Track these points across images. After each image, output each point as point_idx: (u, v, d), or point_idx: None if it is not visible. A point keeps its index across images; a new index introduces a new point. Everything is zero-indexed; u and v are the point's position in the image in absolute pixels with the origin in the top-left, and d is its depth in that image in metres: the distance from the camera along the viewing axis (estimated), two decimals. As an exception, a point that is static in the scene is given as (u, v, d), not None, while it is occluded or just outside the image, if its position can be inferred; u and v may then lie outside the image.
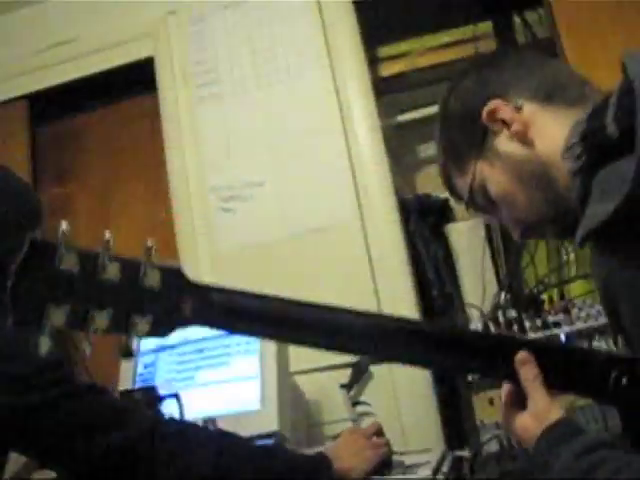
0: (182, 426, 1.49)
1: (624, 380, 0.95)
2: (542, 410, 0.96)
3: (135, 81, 2.88)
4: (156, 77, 2.78)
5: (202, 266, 2.56)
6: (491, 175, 1.09)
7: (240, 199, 2.56)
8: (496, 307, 2.18)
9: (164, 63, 2.77)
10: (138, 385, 2.00)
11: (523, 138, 1.05)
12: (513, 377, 0.98)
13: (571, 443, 0.91)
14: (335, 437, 2.16)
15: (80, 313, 0.82)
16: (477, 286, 2.40)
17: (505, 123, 1.07)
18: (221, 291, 0.92)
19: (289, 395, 2.00)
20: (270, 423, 1.86)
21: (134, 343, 0.85)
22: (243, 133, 2.61)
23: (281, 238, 2.49)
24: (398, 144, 2.84)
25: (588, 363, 0.99)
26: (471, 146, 1.11)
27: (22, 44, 2.97)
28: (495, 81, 1.11)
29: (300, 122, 2.57)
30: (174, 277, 0.88)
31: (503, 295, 2.21)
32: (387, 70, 2.82)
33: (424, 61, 2.78)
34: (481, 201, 1.13)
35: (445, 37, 2.76)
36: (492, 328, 2.11)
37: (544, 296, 2.14)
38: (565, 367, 1.00)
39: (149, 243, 0.85)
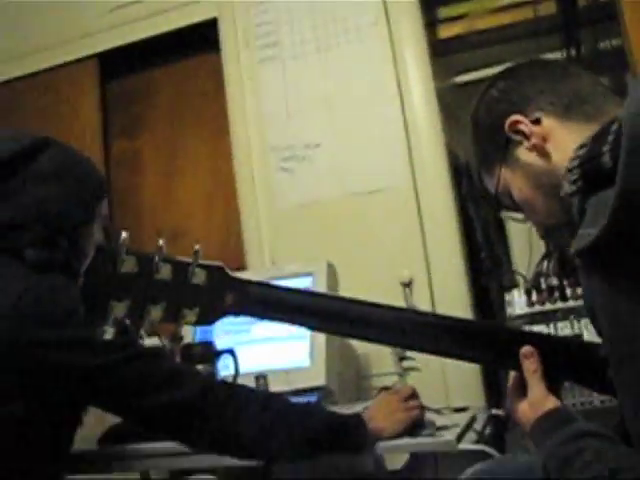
0: (231, 386, 1.67)
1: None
2: (538, 400, 1.08)
3: (200, 40, 2.99)
4: (219, 38, 2.88)
5: (261, 221, 2.70)
6: (513, 181, 1.18)
7: (298, 159, 2.67)
8: (538, 274, 2.26)
9: (227, 25, 2.87)
10: (198, 338, 2.16)
11: (541, 150, 1.12)
12: (519, 368, 1.10)
13: (559, 431, 1.02)
14: (380, 389, 2.32)
15: (138, 307, 0.96)
16: (525, 251, 2.47)
17: (525, 135, 1.14)
18: (257, 285, 1.04)
19: (337, 351, 2.14)
20: (318, 378, 2.00)
21: (182, 331, 1.00)
22: (302, 95, 2.71)
23: (335, 198, 2.61)
24: (456, 105, 2.89)
25: (587, 356, 1.10)
26: (496, 153, 1.18)
27: (91, 5, 3.10)
28: (517, 94, 1.17)
29: (357, 85, 2.65)
30: (217, 274, 1.01)
31: (546, 262, 2.28)
32: (446, 32, 2.85)
33: (482, 23, 2.81)
34: (507, 202, 1.22)
35: (504, -1, 2.78)
36: (534, 295, 2.19)
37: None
38: (566, 360, 1.11)
39: (196, 247, 0.97)
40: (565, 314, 2.16)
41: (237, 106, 2.80)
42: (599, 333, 0.97)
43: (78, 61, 3.10)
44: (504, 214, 1.34)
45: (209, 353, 1.94)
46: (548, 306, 2.19)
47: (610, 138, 0.94)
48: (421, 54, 2.63)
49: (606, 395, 1.49)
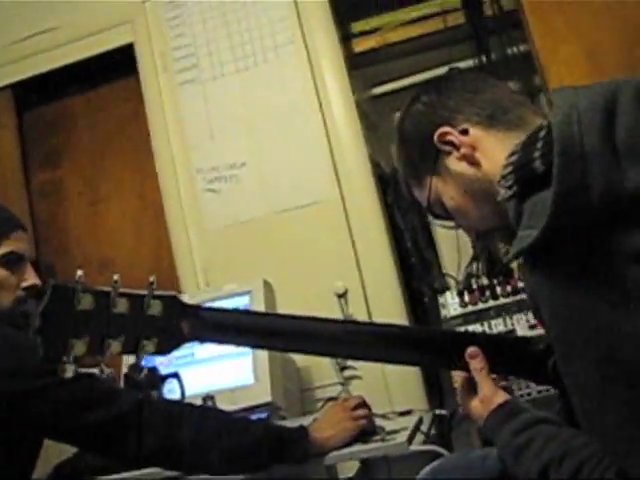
0: (167, 402, 1.73)
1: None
2: (488, 396, 1.14)
3: (117, 65, 2.98)
4: (137, 63, 2.88)
5: (192, 243, 2.71)
6: (445, 190, 1.23)
7: (224, 179, 2.69)
8: (469, 276, 2.34)
9: (144, 49, 2.87)
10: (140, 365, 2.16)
11: (471, 159, 1.18)
12: (462, 367, 1.16)
13: (510, 423, 1.09)
14: (327, 400, 2.36)
15: (97, 342, 0.98)
16: (453, 254, 2.55)
17: (454, 145, 1.20)
18: (210, 310, 1.07)
19: (280, 366, 2.17)
20: (263, 395, 2.03)
21: (142, 361, 1.01)
22: (224, 115, 2.73)
23: (265, 215, 2.64)
24: (375, 116, 2.97)
25: (529, 351, 1.17)
26: (426, 164, 1.23)
27: (2, 35, 3.05)
28: (443, 107, 1.22)
29: (278, 103, 2.69)
30: (172, 304, 1.03)
31: (476, 264, 2.36)
32: (360, 46, 2.92)
33: (395, 36, 2.88)
34: (439, 211, 1.27)
35: (414, 12, 2.86)
36: (466, 296, 2.27)
37: (514, 264, 2.29)
38: (509, 356, 1.17)
39: (151, 279, 0.99)
40: (497, 311, 2.25)
41: (160, 130, 2.80)
42: (538, 320, 1.02)
43: (-10, 93, 3.05)
44: (435, 222, 1.39)
45: (154, 378, 1.95)
46: (480, 305, 2.27)
47: (539, 145, 1.00)
48: (338, 68, 2.69)
49: (545, 385, 1.56)
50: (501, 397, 1.14)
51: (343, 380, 2.44)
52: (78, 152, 3.10)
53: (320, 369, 2.48)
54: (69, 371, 0.97)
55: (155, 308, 1.01)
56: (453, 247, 2.59)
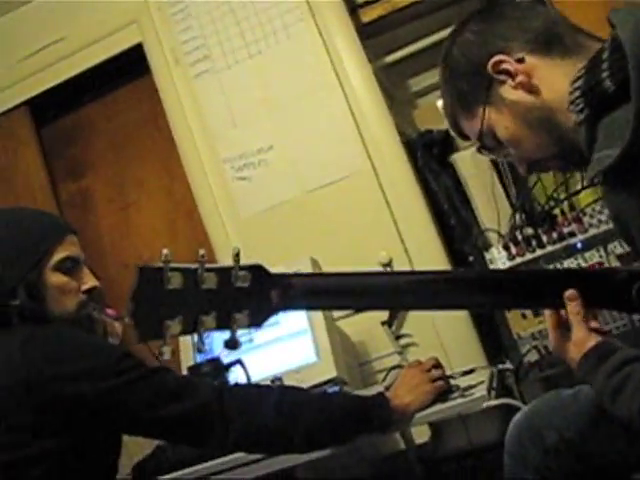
0: (244, 386, 1.74)
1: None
2: (582, 339, 1.13)
3: (128, 67, 2.97)
4: (148, 61, 2.86)
5: (229, 234, 2.69)
6: (499, 120, 1.21)
7: (253, 166, 2.68)
8: (513, 227, 2.32)
9: (153, 47, 2.85)
10: (199, 359, 2.16)
11: (528, 87, 1.16)
12: (556, 307, 1.14)
13: (604, 365, 1.07)
14: (384, 370, 2.35)
15: (191, 320, 0.96)
16: (491, 210, 2.53)
17: (509, 74, 1.17)
18: (298, 276, 1.05)
19: (340, 341, 2.16)
20: (328, 371, 2.02)
21: (237, 335, 1.00)
22: (244, 102, 2.72)
23: (298, 196, 2.63)
24: (390, 84, 2.94)
25: (613, 281, 1.15)
26: (478, 94, 1.21)
27: (11, 52, 3.05)
28: (495, 35, 1.20)
29: (296, 81, 2.67)
30: (259, 274, 1.01)
31: (518, 215, 2.34)
32: (367, 16, 2.88)
33: (401, 1, 2.85)
34: (490, 143, 1.25)
35: (419, -26, 2.82)
36: (512, 248, 2.25)
37: (556, 210, 2.27)
38: (597, 289, 1.15)
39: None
40: (547, 260, 2.23)
41: (181, 125, 2.79)
42: (625, 239, 1.01)
43: (9, 111, 3.04)
44: (485, 154, 1.36)
45: (218, 368, 1.95)
46: (529, 256, 2.25)
47: (605, 65, 0.99)
48: (351, 39, 2.67)
49: (631, 313, 1.54)
50: (594, 340, 1.13)
51: (400, 349, 2.42)
52: (101, 159, 3.10)
53: (375, 341, 2.47)
54: (167, 353, 0.96)
55: (243, 280, 0.99)
56: (489, 203, 2.57)
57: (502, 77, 1.19)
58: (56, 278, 1.61)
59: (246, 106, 2.71)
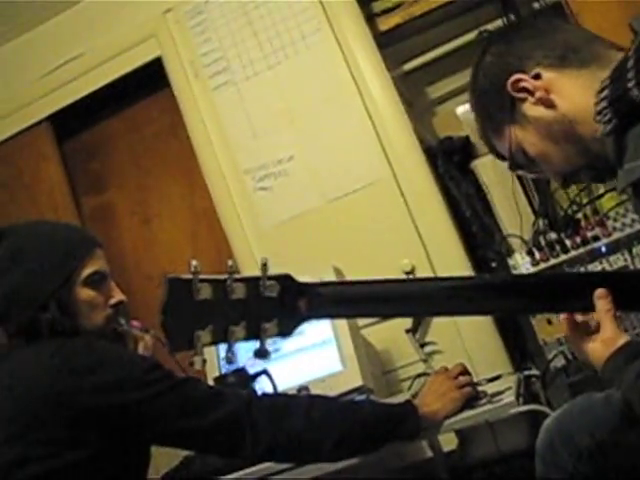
0: (273, 395, 1.76)
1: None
2: (611, 337, 1.12)
3: (148, 81, 2.99)
4: (167, 75, 2.88)
5: (252, 244, 2.70)
6: (525, 138, 1.23)
7: (274, 176, 2.69)
8: (536, 233, 2.32)
9: (172, 60, 2.87)
10: (224, 369, 2.16)
11: (547, 102, 1.18)
12: (585, 310, 1.13)
13: (635, 363, 1.06)
14: (409, 379, 2.35)
15: (221, 330, 0.97)
16: (513, 216, 2.52)
17: (528, 91, 1.19)
18: (326, 285, 1.06)
19: (365, 350, 2.16)
20: (354, 380, 2.02)
21: (267, 345, 1.00)
22: (264, 113, 2.73)
23: (320, 205, 2.63)
24: (408, 92, 2.94)
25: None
26: (503, 114, 1.23)
27: (32, 69, 3.07)
28: (511, 54, 1.23)
29: (315, 91, 2.68)
30: (287, 283, 1.02)
31: (540, 221, 2.33)
32: (385, 24, 2.88)
33: (419, 9, 2.85)
34: (521, 160, 1.27)
35: (435, -18, 2.83)
36: (536, 253, 2.24)
37: (579, 214, 2.26)
38: (627, 291, 1.15)
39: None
40: (570, 265, 2.22)
41: (201, 138, 2.80)
42: None
43: (30, 128, 3.07)
44: (519, 172, 1.38)
45: (244, 379, 1.95)
46: (552, 261, 2.25)
47: (630, 74, 0.99)
48: (369, 47, 2.67)
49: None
50: (623, 338, 1.12)
51: (425, 356, 2.42)
52: (122, 173, 3.12)
53: (399, 349, 2.47)
54: (198, 363, 0.96)
55: (271, 289, 1.00)
56: (511, 209, 2.57)
57: (522, 95, 1.21)
58: (85, 293, 1.64)
59: (266, 117, 2.72)
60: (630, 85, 0.98)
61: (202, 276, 0.97)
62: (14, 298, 1.59)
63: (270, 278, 1.00)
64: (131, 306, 1.98)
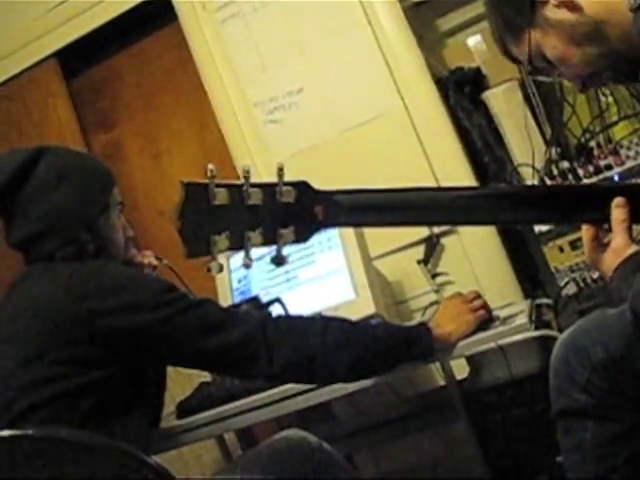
0: (288, 317, 1.77)
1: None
2: (621, 246, 1.13)
3: (155, 15, 2.95)
4: (174, 8, 2.84)
5: (263, 178, 2.67)
6: (545, 41, 1.22)
7: (284, 108, 2.67)
8: (549, 162, 2.29)
9: (179, -7, 2.83)
10: (237, 299, 2.17)
11: (570, 5, 1.17)
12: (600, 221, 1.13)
13: None
14: (421, 309, 2.36)
15: (237, 236, 0.97)
16: (524, 146, 2.49)
17: None
18: (342, 192, 1.05)
19: (376, 279, 2.16)
20: (367, 307, 2.02)
21: (283, 251, 1.00)
22: (272, 45, 2.69)
23: (331, 137, 2.61)
24: (418, 24, 2.89)
25: None
26: (522, 18, 1.22)
27: (38, 4, 3.03)
28: None
29: (325, 22, 2.64)
30: (304, 190, 1.01)
31: (553, 149, 2.31)
32: (396, -46, 2.83)
33: (431, -61, 2.79)
34: (540, 64, 1.26)
35: None
36: (548, 182, 2.23)
37: (592, 143, 2.24)
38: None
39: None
40: (583, 194, 2.20)
41: (210, 72, 2.77)
42: None
43: (37, 64, 3.04)
44: (538, 77, 1.37)
45: (257, 307, 1.96)
46: (565, 189, 2.22)
47: None
48: (379, -24, 2.62)
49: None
50: (633, 247, 1.13)
51: (436, 287, 2.42)
52: (131, 109, 3.10)
53: (411, 280, 2.47)
54: (215, 268, 0.96)
55: (288, 195, 1.00)
56: (523, 139, 2.54)
57: None
58: (116, 219, 1.69)
59: (274, 49, 2.68)
60: None
61: (218, 181, 0.96)
62: (62, 216, 1.59)
63: (287, 184, 1.00)
64: (143, 241, 2.00)
